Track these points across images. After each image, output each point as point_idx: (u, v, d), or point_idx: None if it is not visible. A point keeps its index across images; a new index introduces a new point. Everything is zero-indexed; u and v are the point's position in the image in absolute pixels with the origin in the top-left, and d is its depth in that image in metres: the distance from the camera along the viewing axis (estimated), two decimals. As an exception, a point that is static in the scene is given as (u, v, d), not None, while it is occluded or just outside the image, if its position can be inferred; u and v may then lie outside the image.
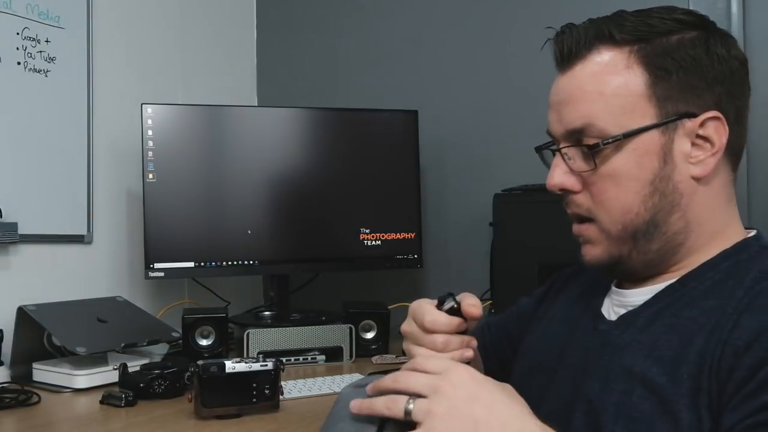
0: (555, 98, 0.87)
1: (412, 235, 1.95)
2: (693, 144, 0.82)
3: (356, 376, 1.52)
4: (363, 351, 1.78)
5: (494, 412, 0.72)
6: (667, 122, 0.81)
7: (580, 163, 0.85)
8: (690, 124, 0.82)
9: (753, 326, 0.73)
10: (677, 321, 0.80)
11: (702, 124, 0.82)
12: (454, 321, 0.85)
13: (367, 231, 1.92)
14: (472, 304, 0.86)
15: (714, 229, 0.84)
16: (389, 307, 1.87)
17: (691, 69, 0.82)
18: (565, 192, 0.87)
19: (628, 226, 0.83)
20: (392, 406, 0.74)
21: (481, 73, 2.01)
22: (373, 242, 1.93)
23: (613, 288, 0.91)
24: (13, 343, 1.53)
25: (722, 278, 0.80)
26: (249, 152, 1.85)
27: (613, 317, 0.88)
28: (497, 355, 1.11)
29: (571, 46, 0.85)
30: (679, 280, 0.84)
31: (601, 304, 0.91)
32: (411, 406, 0.73)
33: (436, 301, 0.87)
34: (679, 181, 0.82)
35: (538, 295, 1.09)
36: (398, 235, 1.94)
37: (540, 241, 1.61)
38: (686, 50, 0.82)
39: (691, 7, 1.69)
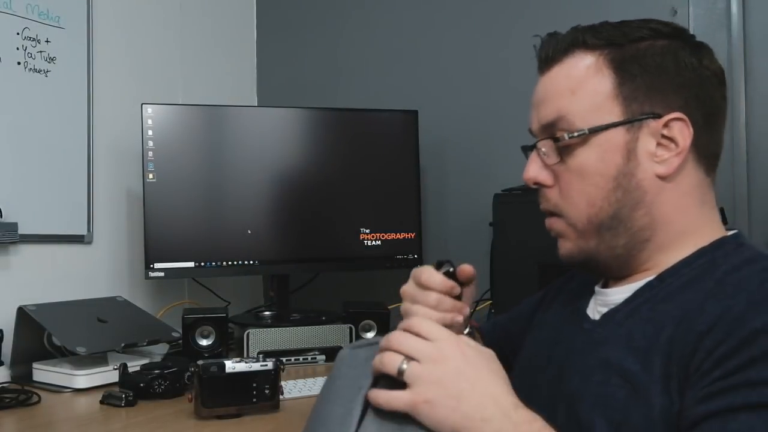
0: (534, 98, 0.94)
1: (412, 235, 1.95)
2: (658, 144, 0.86)
3: (356, 376, 1.52)
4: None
5: (477, 387, 0.76)
6: (631, 121, 0.86)
7: (552, 157, 0.90)
8: (654, 123, 0.86)
9: (716, 312, 0.76)
10: (653, 314, 0.83)
11: (666, 125, 0.86)
12: (448, 283, 0.92)
13: (367, 231, 1.92)
14: (465, 266, 0.94)
15: (683, 228, 0.87)
16: (389, 307, 1.86)
17: (656, 74, 0.86)
18: (539, 186, 0.93)
19: (592, 219, 0.88)
20: (387, 363, 0.78)
21: (481, 73, 2.01)
22: (373, 242, 1.93)
23: (597, 288, 0.95)
24: (13, 343, 1.53)
25: (698, 274, 0.83)
26: (249, 152, 1.85)
27: (597, 316, 0.91)
28: (499, 352, 1.13)
29: (549, 52, 0.91)
30: (657, 276, 0.87)
31: (586, 305, 0.95)
32: (405, 367, 0.77)
33: (434, 264, 0.94)
34: (643, 179, 0.86)
35: (535, 302, 1.13)
36: (398, 235, 1.95)
37: (540, 241, 1.60)
38: (653, 56, 0.87)
39: (691, 8, 1.71)
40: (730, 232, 0.89)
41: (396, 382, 0.77)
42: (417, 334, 0.79)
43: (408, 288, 0.95)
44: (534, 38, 0.95)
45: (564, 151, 0.89)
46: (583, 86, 0.88)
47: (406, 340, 0.79)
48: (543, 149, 0.91)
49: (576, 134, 0.87)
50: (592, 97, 0.87)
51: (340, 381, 0.83)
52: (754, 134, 1.68)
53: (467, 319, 0.96)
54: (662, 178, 0.86)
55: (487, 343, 1.14)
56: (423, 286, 0.92)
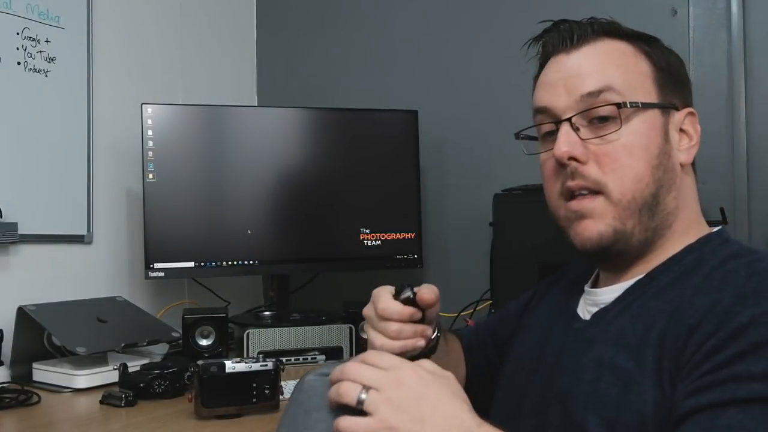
0: (558, 75, 0.90)
1: (412, 235, 1.95)
2: (679, 133, 0.90)
3: (356, 376, 1.52)
4: (363, 351, 1.77)
5: (438, 409, 0.74)
6: (666, 106, 0.89)
7: (587, 133, 0.88)
8: (678, 115, 0.90)
9: (705, 305, 0.76)
10: (643, 311, 0.84)
11: (685, 117, 0.91)
12: (407, 310, 0.89)
13: (367, 231, 1.92)
14: (426, 291, 0.89)
15: (691, 218, 0.91)
16: (389, 307, 1.86)
17: (674, 68, 0.92)
18: (572, 162, 0.87)
19: (637, 196, 0.86)
20: (345, 393, 0.76)
21: (481, 73, 2.01)
22: (373, 242, 1.93)
23: (587, 288, 0.95)
24: (13, 343, 1.53)
25: (687, 270, 0.85)
26: (249, 152, 1.85)
27: (587, 316, 0.92)
28: (484, 354, 1.15)
29: (576, 32, 0.91)
30: (647, 274, 0.88)
31: (576, 305, 0.95)
32: (364, 396, 0.75)
33: (394, 289, 0.91)
34: (675, 163, 0.89)
35: (523, 302, 1.13)
36: (398, 235, 1.94)
37: (540, 241, 1.61)
38: (667, 54, 0.93)
39: (691, 8, 1.71)
40: (715, 229, 0.91)
41: (355, 412, 0.75)
42: (373, 365, 0.78)
43: (368, 312, 0.93)
44: (526, 40, 0.95)
45: (608, 124, 0.87)
46: (627, 63, 0.89)
47: (361, 370, 0.77)
48: (576, 124, 0.88)
49: (632, 104, 0.87)
50: (636, 75, 0.89)
51: (317, 414, 0.80)
52: (754, 134, 1.67)
53: (432, 339, 0.95)
54: (682, 166, 0.90)
55: (473, 343, 1.16)
56: (380, 318, 0.90)
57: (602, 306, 0.90)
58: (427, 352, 0.97)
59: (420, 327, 0.91)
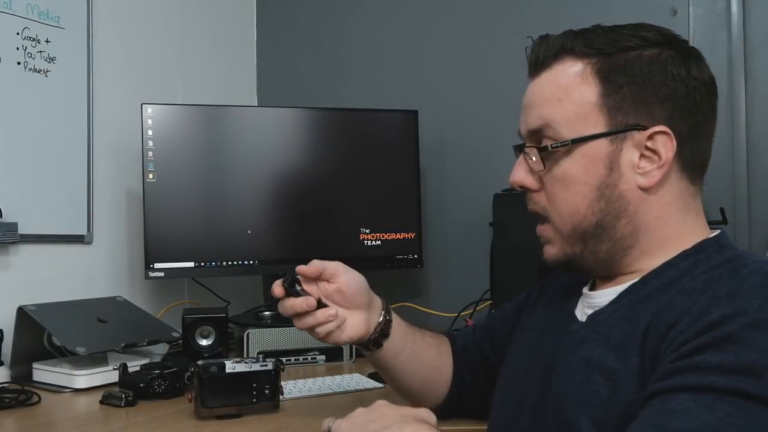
0: (524, 102, 0.95)
1: (412, 235, 1.95)
2: (642, 155, 0.87)
3: (356, 376, 1.52)
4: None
5: (404, 428, 0.80)
6: (615, 132, 0.87)
7: (537, 164, 0.91)
8: (639, 135, 0.87)
9: (684, 306, 0.78)
10: (632, 313, 0.85)
11: (650, 137, 0.86)
12: (298, 305, 1.05)
13: (367, 231, 1.92)
14: (300, 266, 1.10)
15: (666, 235, 0.89)
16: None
17: (643, 84, 0.87)
18: (525, 189, 0.95)
19: (577, 227, 0.89)
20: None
21: (481, 73, 2.01)
22: (373, 242, 1.92)
23: (584, 291, 0.96)
24: (13, 343, 1.53)
25: (679, 275, 0.85)
26: (249, 152, 1.85)
27: (584, 318, 0.93)
28: (480, 352, 1.17)
29: (539, 56, 0.93)
30: (640, 279, 0.88)
31: (574, 307, 0.96)
32: (331, 424, 0.85)
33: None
34: (626, 190, 0.87)
35: (520, 301, 1.14)
36: (398, 235, 1.94)
37: (540, 241, 1.61)
38: (641, 66, 0.87)
39: (691, 8, 1.71)
40: (713, 234, 0.90)
41: None
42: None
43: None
44: (526, 40, 0.96)
45: (548, 159, 0.90)
46: (569, 95, 0.88)
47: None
48: (529, 154, 0.92)
49: (559, 144, 0.88)
50: (577, 107, 0.88)
51: None
52: (754, 134, 1.68)
53: (379, 323, 1.10)
54: (644, 189, 0.87)
55: (469, 342, 1.19)
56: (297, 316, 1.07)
57: (597, 308, 0.91)
58: (378, 336, 1.09)
59: (325, 311, 1.06)
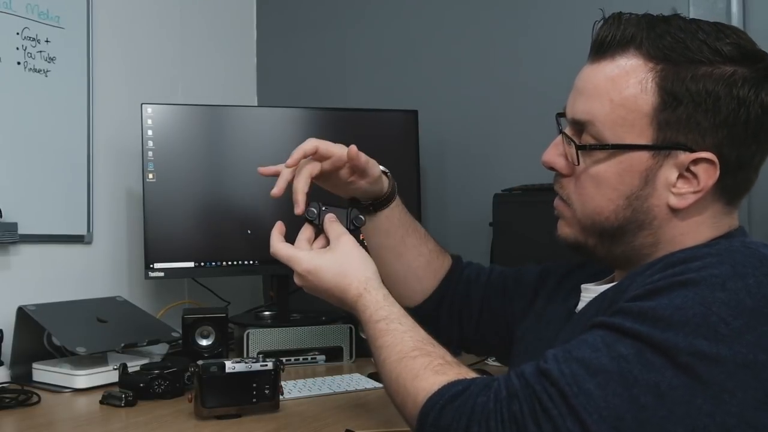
0: (577, 83, 0.90)
1: (412, 235, 1.95)
2: (681, 176, 0.84)
3: (356, 376, 1.53)
4: (363, 351, 1.77)
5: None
6: (659, 147, 0.83)
7: (573, 152, 0.89)
8: (683, 157, 0.83)
9: (643, 281, 0.80)
10: (611, 293, 0.86)
11: (695, 161, 0.83)
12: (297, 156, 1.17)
13: (367, 231, 1.92)
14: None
15: (687, 246, 0.87)
16: (389, 307, 1.86)
17: (702, 105, 0.82)
18: (555, 171, 0.92)
19: (596, 224, 0.89)
20: None
21: (482, 73, 2.01)
22: (373, 242, 1.92)
23: (582, 286, 0.98)
24: (13, 343, 1.53)
25: (668, 264, 0.83)
26: (249, 152, 1.85)
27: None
28: (486, 290, 1.19)
29: (606, 39, 0.87)
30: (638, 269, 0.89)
31: (578, 300, 0.97)
32: None
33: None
34: (656, 205, 0.85)
35: (535, 278, 1.14)
36: (398, 235, 1.94)
37: (540, 241, 1.61)
38: (706, 85, 0.81)
39: (691, 8, 1.71)
40: (733, 228, 0.90)
41: None
42: None
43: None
44: (576, 22, 0.93)
45: (585, 156, 0.87)
46: (623, 99, 0.84)
47: None
48: (567, 140, 0.90)
49: (599, 146, 0.85)
50: (627, 113, 0.84)
51: None
52: (754, 134, 1.67)
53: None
54: (673, 210, 0.85)
55: (483, 279, 1.21)
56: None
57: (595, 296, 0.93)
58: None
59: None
